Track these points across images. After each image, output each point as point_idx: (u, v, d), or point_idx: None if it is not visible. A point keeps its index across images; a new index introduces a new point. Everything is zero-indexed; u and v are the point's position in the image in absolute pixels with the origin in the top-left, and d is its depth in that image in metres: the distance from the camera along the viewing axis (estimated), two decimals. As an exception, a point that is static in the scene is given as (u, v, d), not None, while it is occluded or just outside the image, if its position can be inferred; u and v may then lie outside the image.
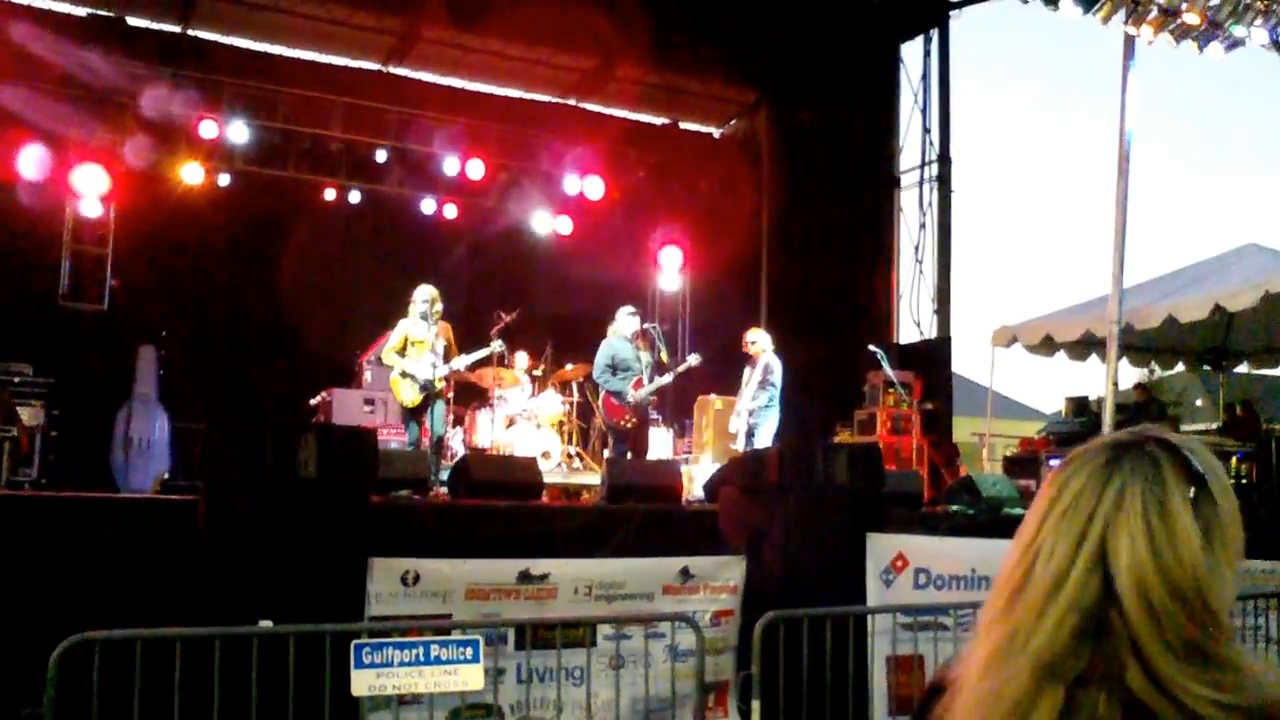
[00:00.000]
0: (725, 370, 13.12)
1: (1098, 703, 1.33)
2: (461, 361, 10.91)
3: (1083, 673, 1.34)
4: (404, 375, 10.60)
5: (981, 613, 1.47)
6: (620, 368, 11.48)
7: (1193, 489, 1.38)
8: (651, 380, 11.61)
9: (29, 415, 10.85)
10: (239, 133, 13.90)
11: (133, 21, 14.23)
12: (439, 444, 10.86)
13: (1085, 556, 1.36)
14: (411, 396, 10.61)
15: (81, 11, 14.09)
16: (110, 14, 14.07)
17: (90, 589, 5.63)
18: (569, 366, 13.81)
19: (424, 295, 10.73)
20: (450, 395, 12.52)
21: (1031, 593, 1.39)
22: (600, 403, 11.29)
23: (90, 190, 13.08)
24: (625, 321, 11.66)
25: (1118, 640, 1.33)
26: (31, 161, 12.68)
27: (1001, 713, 1.36)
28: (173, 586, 5.64)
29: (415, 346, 10.62)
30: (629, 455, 11.30)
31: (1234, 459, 11.88)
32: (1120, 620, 1.33)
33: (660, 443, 13.53)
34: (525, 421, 12.94)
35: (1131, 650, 1.33)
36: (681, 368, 11.92)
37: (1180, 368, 17.18)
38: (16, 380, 11.30)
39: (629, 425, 11.42)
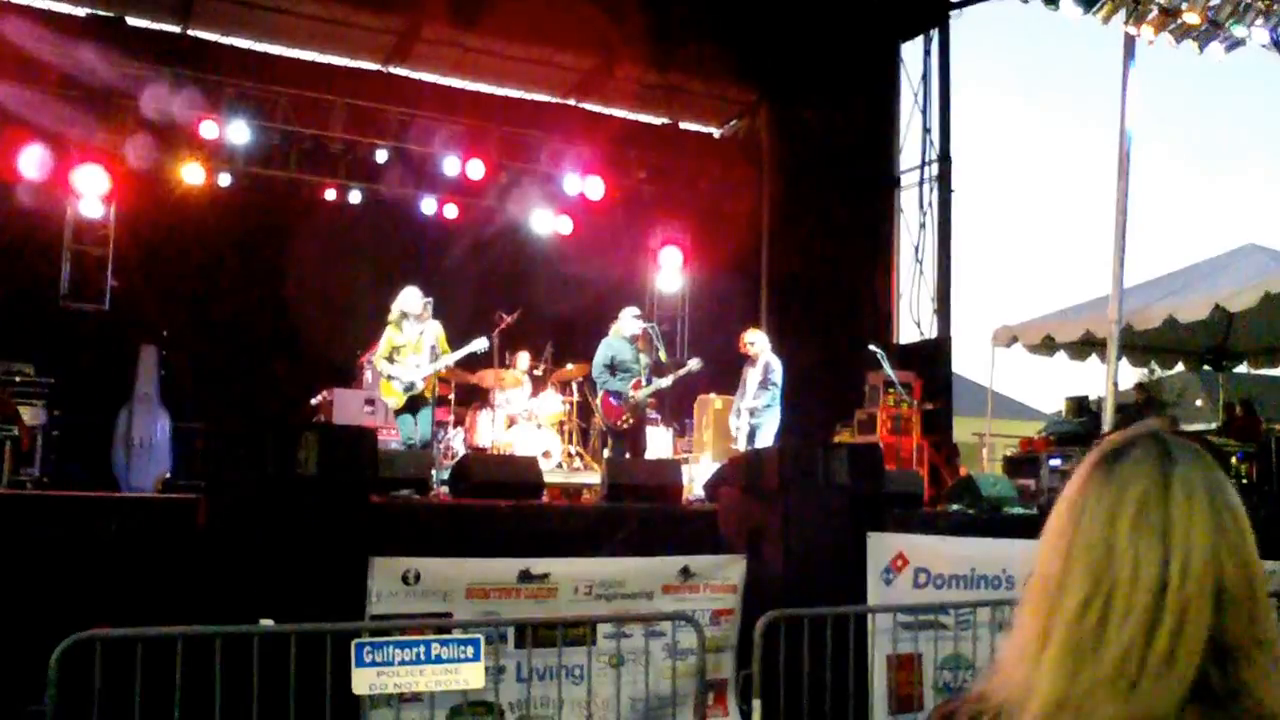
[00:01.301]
0: (725, 370, 13.12)
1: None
2: (445, 361, 10.90)
3: (1223, 692, 1.26)
4: (390, 378, 10.72)
5: (1026, 610, 1.39)
6: (620, 368, 11.48)
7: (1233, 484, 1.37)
8: (650, 382, 11.62)
9: (30, 415, 10.87)
10: (239, 133, 13.90)
11: (133, 21, 14.26)
12: (424, 449, 10.79)
13: (1192, 569, 1.28)
14: (395, 401, 10.74)
15: (81, 12, 14.11)
16: (110, 14, 14.08)
17: (91, 588, 5.64)
18: (569, 366, 13.81)
19: (405, 300, 10.78)
20: (451, 396, 12.55)
21: (1125, 607, 1.30)
22: (598, 402, 11.29)
23: (91, 190, 13.09)
24: (628, 323, 11.66)
25: (1235, 650, 1.27)
26: (32, 161, 12.69)
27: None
28: (174, 585, 5.64)
29: (400, 351, 10.69)
30: (626, 455, 11.30)
31: (1234, 459, 11.88)
32: (1233, 627, 1.28)
33: (660, 442, 13.53)
34: (526, 421, 12.95)
35: (1222, 647, 1.27)
36: (682, 372, 11.93)
37: (1180, 368, 17.19)
38: (18, 380, 11.32)
39: (626, 425, 11.44)
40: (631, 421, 11.44)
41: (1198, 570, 1.27)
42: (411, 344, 10.71)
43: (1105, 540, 1.32)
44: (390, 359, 10.70)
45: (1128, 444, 1.40)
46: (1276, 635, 1.29)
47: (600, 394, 11.36)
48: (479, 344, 11.26)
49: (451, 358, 11.01)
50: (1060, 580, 1.34)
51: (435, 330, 10.87)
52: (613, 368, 11.44)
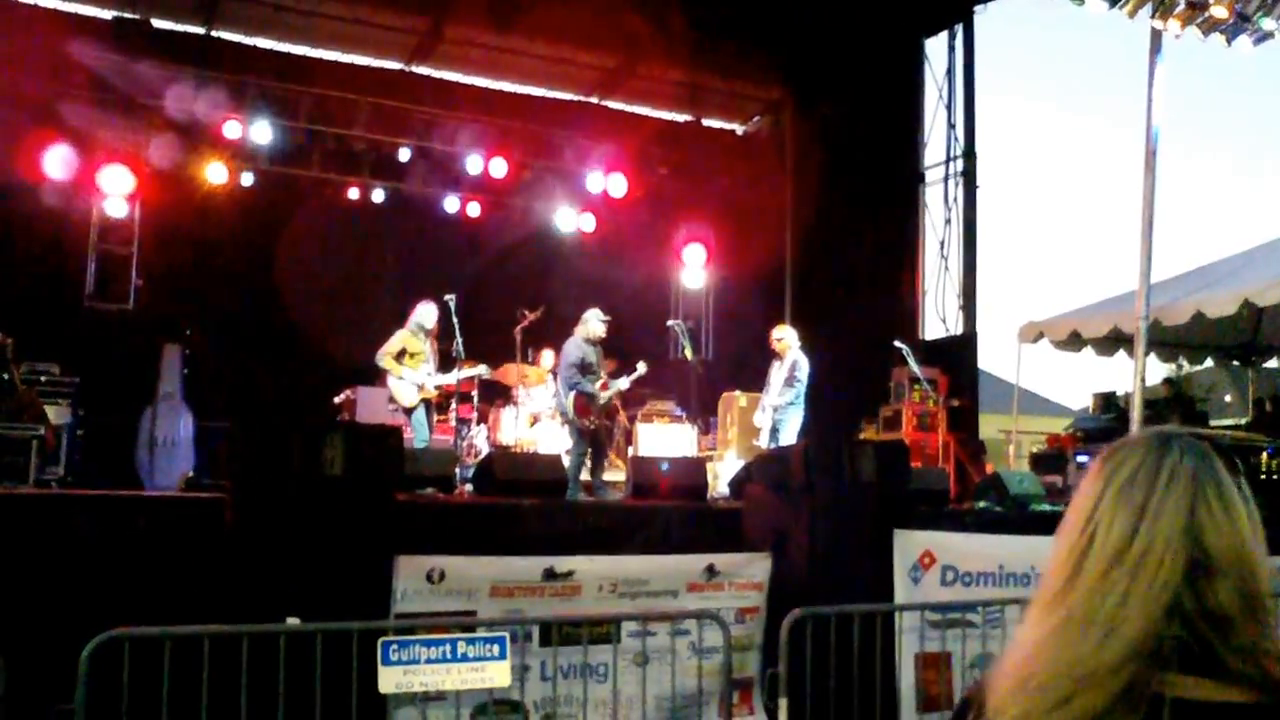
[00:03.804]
0: (749, 367, 13.08)
1: (1148, 685, 1.36)
2: (449, 378, 11.62)
3: (1153, 647, 1.37)
4: (400, 379, 11.33)
5: (1031, 605, 1.49)
6: (588, 370, 11.45)
7: (1238, 478, 1.46)
8: (609, 385, 11.81)
9: (56, 414, 10.92)
10: (263, 132, 13.95)
11: (157, 24, 14.31)
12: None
13: (1157, 530, 1.40)
14: (411, 400, 11.35)
15: (107, 14, 14.17)
16: (136, 16, 14.14)
17: (118, 587, 5.65)
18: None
19: (424, 314, 11.51)
20: (474, 393, 12.59)
21: (1092, 568, 1.42)
22: (570, 401, 11.25)
23: (116, 190, 13.15)
24: (595, 324, 11.61)
25: (1189, 606, 1.37)
26: (58, 162, 12.75)
27: (1071, 688, 1.37)
28: (200, 584, 5.65)
29: (411, 357, 11.34)
30: (589, 454, 11.40)
31: (1264, 454, 11.76)
32: (1208, 588, 1.38)
33: (684, 440, 13.51)
34: (549, 419, 12.94)
35: (1202, 615, 1.37)
36: (635, 375, 12.23)
37: (1209, 363, 17.06)
38: (44, 380, 11.38)
39: (593, 425, 11.48)
40: (596, 423, 11.49)
41: (1164, 542, 1.38)
42: (421, 353, 11.39)
43: (1088, 514, 1.46)
44: (398, 359, 11.27)
45: (1134, 438, 1.52)
46: (1271, 610, 1.40)
47: (572, 394, 11.30)
48: (481, 369, 11.95)
49: (454, 375, 11.60)
50: (1052, 553, 1.49)
51: (431, 347, 11.61)
52: (583, 368, 11.39)
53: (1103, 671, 1.36)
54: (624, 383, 12.14)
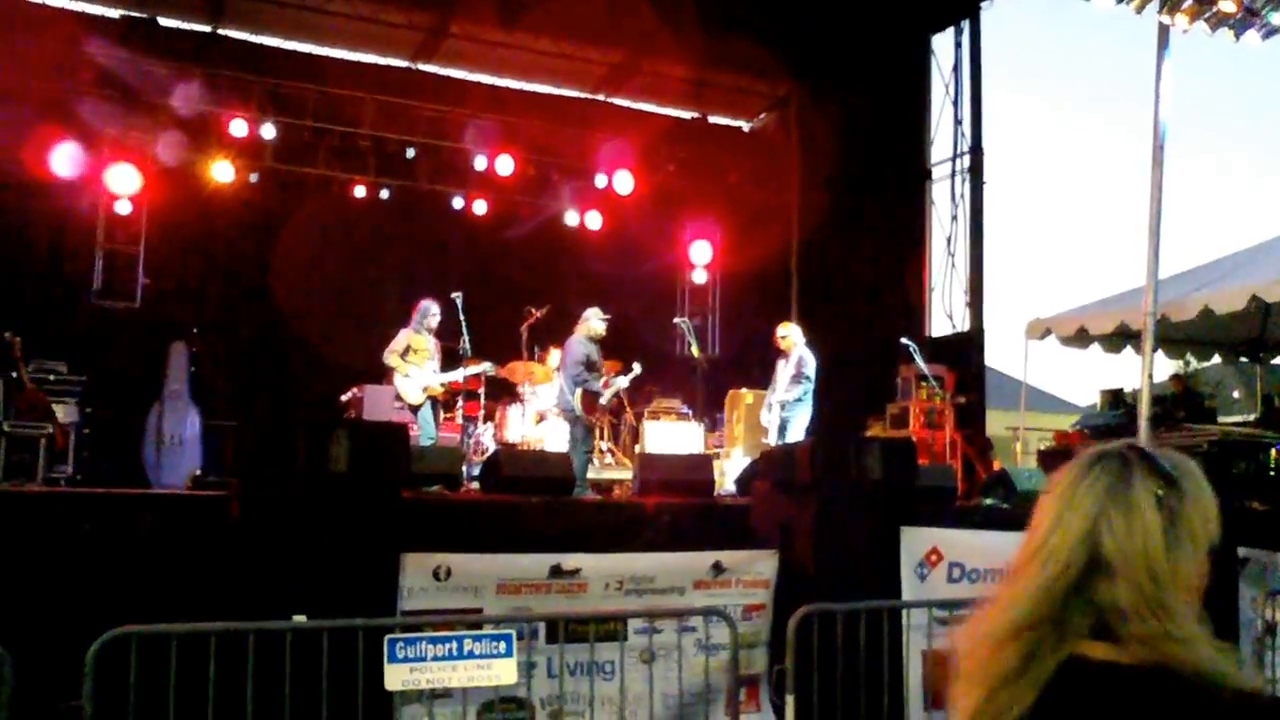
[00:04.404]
0: (756, 364, 13.06)
1: (1060, 649, 1.66)
2: (455, 375, 11.70)
3: (1057, 619, 1.66)
4: (406, 377, 11.42)
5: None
6: (592, 369, 11.46)
7: (1161, 486, 1.68)
8: (610, 384, 12.05)
9: (63, 413, 10.97)
10: (269, 130, 13.96)
11: (164, 22, 14.33)
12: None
13: (1065, 534, 1.68)
14: (417, 397, 11.43)
15: (114, 13, 14.19)
16: (142, 15, 14.16)
17: (125, 584, 5.66)
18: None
19: (428, 311, 11.57)
20: (481, 390, 12.59)
21: (1016, 561, 1.74)
22: (577, 399, 11.26)
23: (123, 189, 13.18)
24: (598, 324, 11.62)
25: (1093, 598, 1.65)
26: (65, 159, 12.78)
27: (986, 651, 1.69)
28: (206, 581, 5.65)
29: (416, 355, 11.44)
30: (591, 451, 11.63)
31: (1273, 450, 11.72)
32: (1105, 585, 1.65)
33: (690, 437, 13.50)
34: (556, 416, 12.92)
35: (1104, 606, 1.65)
36: (632, 374, 12.65)
37: (1217, 359, 16.99)
38: (52, 378, 11.42)
39: (596, 422, 11.52)
40: (599, 420, 11.57)
41: (1067, 544, 1.67)
42: (426, 351, 11.46)
43: (1036, 519, 1.76)
44: (404, 356, 11.36)
45: (1080, 455, 1.79)
46: (1177, 606, 1.62)
47: (579, 391, 11.30)
48: (487, 367, 12.09)
49: (460, 373, 11.67)
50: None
51: (435, 345, 11.68)
52: (588, 366, 11.39)
53: (1003, 637, 1.67)
54: (623, 381, 12.31)
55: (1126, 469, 1.71)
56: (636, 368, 12.52)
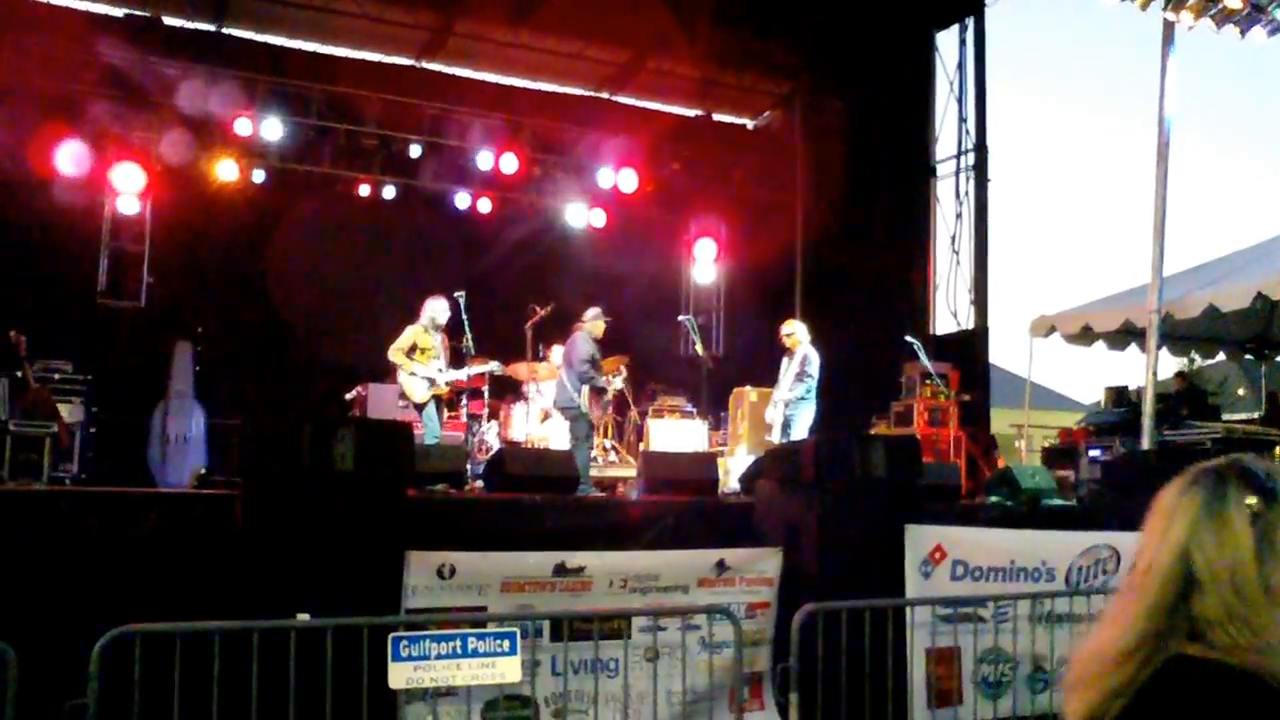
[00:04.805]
0: (760, 362, 13.05)
1: (1164, 653, 1.76)
2: (462, 373, 11.69)
3: (1162, 632, 1.76)
4: (412, 375, 11.36)
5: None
6: (596, 367, 11.49)
7: (1257, 501, 1.76)
8: (609, 382, 12.20)
9: (69, 412, 10.97)
10: (273, 129, 13.98)
11: (169, 21, 14.34)
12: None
13: (1165, 552, 1.78)
14: (422, 395, 11.38)
15: (119, 12, 14.20)
16: (147, 14, 14.18)
17: (130, 583, 5.66)
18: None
19: (436, 309, 11.50)
20: (485, 389, 12.61)
21: (1136, 584, 1.83)
22: (585, 397, 11.29)
23: (128, 188, 13.20)
24: (600, 323, 11.65)
25: (1190, 611, 1.75)
26: (70, 158, 12.79)
27: (1097, 668, 1.81)
28: (211, 580, 5.66)
29: (422, 353, 11.38)
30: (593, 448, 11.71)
31: (1277, 448, 11.71)
32: (1198, 598, 1.74)
33: (695, 435, 13.50)
34: (560, 415, 12.93)
35: (1195, 617, 1.75)
36: (622, 377, 12.98)
37: (1221, 357, 16.94)
38: (57, 377, 11.42)
39: (602, 420, 11.57)
40: (603, 418, 11.61)
41: (1164, 563, 1.77)
42: (432, 349, 11.39)
43: (1144, 533, 1.85)
44: (409, 354, 11.31)
45: (1184, 473, 1.86)
46: (1261, 619, 1.71)
47: (586, 389, 11.32)
48: (492, 365, 12.15)
49: (466, 372, 11.69)
50: None
51: (442, 343, 11.62)
52: (594, 364, 11.42)
53: (1115, 657, 1.78)
54: (618, 382, 12.43)
55: (1222, 485, 1.78)
56: (623, 369, 12.72)
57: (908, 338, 13.39)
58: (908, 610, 6.73)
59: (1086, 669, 1.83)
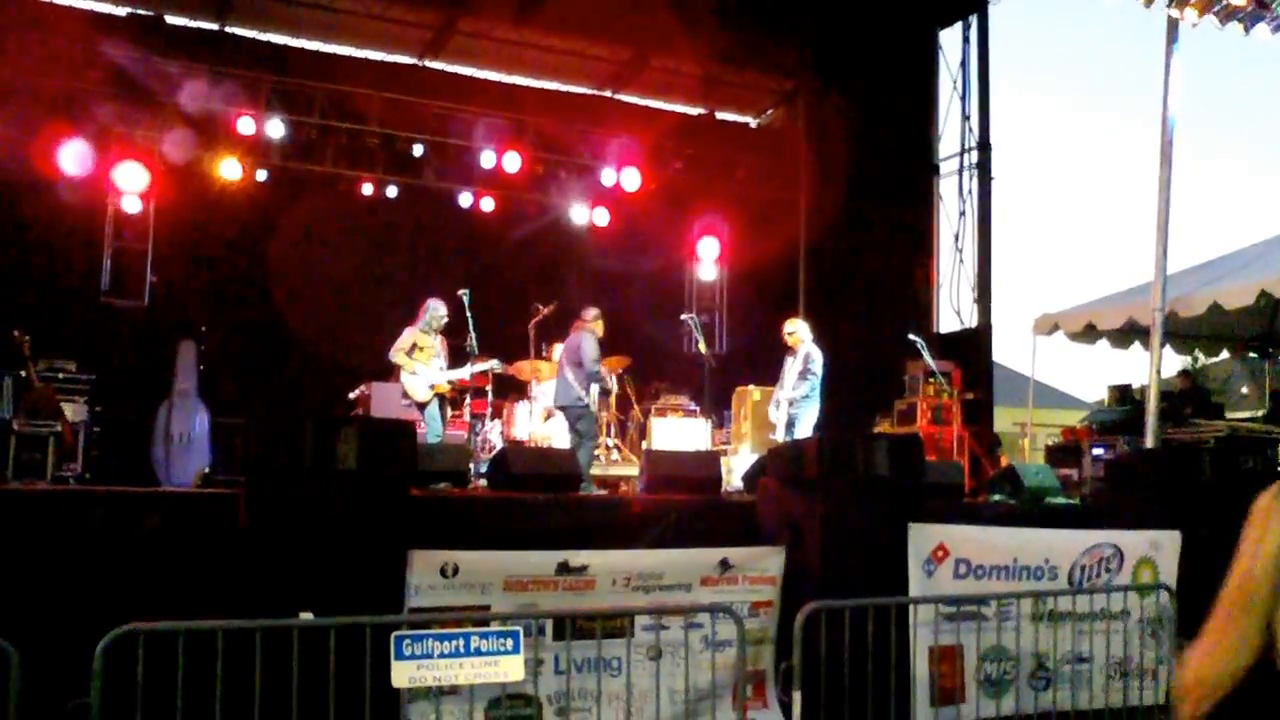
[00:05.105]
0: (763, 360, 13.05)
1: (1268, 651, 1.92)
2: (462, 372, 11.72)
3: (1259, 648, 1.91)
4: (414, 375, 11.48)
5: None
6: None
7: None
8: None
9: (72, 411, 10.98)
10: (276, 128, 13.98)
11: (171, 20, 14.35)
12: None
13: (1259, 561, 1.90)
14: (424, 394, 11.47)
15: (122, 11, 14.22)
16: (150, 13, 14.19)
17: (133, 582, 5.67)
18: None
19: (436, 310, 11.64)
20: (488, 388, 12.62)
21: (1234, 595, 1.96)
22: (594, 396, 11.32)
23: (131, 187, 13.19)
24: (600, 323, 11.71)
25: None
26: (73, 157, 12.79)
27: (1201, 693, 1.96)
28: (214, 579, 5.67)
29: (421, 353, 11.50)
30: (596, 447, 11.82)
31: (1280, 447, 11.71)
32: None
33: (698, 434, 13.50)
34: (561, 414, 12.93)
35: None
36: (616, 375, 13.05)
37: (1225, 355, 16.94)
38: (60, 376, 11.44)
39: (607, 418, 11.60)
40: (607, 417, 11.65)
41: (1265, 565, 1.89)
42: (432, 349, 11.51)
43: (1241, 543, 1.97)
44: (410, 354, 11.42)
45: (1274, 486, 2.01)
46: None
47: (596, 388, 11.36)
48: (495, 364, 12.21)
49: (467, 371, 11.71)
50: None
51: (441, 344, 11.75)
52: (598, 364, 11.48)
53: (1218, 684, 1.94)
54: (612, 381, 12.54)
55: None
56: (619, 370, 12.94)
57: (911, 336, 13.39)
58: (910, 608, 6.72)
59: (1193, 692, 1.96)
